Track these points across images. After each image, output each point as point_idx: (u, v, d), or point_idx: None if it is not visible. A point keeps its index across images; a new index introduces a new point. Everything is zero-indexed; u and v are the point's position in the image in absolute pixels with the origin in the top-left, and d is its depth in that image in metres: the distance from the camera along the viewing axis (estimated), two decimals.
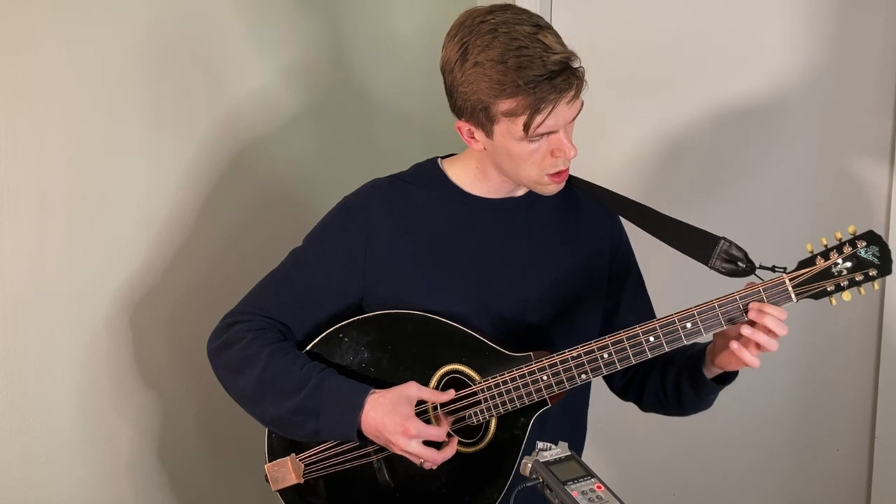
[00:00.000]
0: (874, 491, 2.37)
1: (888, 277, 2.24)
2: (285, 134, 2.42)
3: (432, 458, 1.65)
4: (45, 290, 1.94)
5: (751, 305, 1.59)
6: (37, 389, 1.94)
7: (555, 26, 1.63)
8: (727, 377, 1.72)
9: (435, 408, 1.71)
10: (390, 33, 2.66)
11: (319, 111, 2.50)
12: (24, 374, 1.92)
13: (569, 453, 1.35)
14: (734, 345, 1.59)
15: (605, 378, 1.86)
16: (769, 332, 1.58)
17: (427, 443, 1.66)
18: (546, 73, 1.54)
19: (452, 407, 1.70)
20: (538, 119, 1.57)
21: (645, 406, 1.88)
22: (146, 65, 2.08)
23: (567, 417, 1.80)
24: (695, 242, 1.67)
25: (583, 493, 1.28)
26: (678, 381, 1.76)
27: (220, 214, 2.27)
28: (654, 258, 1.91)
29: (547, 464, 1.34)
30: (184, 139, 2.18)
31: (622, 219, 1.83)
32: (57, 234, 1.95)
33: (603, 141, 2.58)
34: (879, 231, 1.62)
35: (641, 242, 1.85)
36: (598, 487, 1.28)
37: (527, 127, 1.58)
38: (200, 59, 2.21)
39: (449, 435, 1.69)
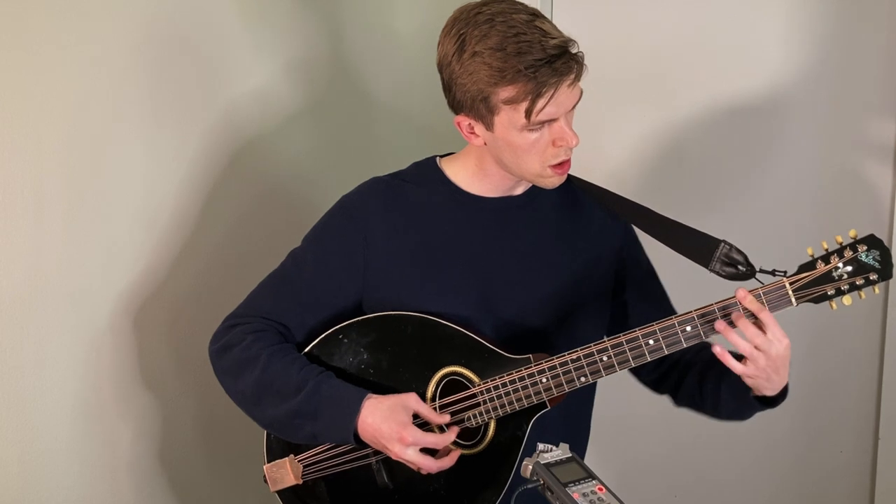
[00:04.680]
0: (878, 492, 2.37)
1: (892, 280, 2.26)
2: (284, 133, 2.41)
3: (429, 467, 1.65)
4: (43, 290, 1.93)
5: (717, 324, 1.58)
6: (35, 390, 1.94)
7: (554, 21, 1.63)
8: (773, 400, 1.67)
9: (435, 408, 1.70)
10: (389, 31, 2.66)
11: (318, 110, 2.49)
12: (22, 374, 1.91)
13: (570, 455, 1.35)
14: (716, 349, 1.58)
15: (633, 372, 1.84)
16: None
17: (425, 449, 1.65)
18: (546, 56, 1.54)
19: (451, 409, 1.70)
20: (540, 103, 1.56)
21: (678, 403, 1.85)
22: (144, 64, 2.08)
23: (570, 419, 1.79)
24: (695, 245, 1.67)
25: (584, 495, 1.27)
26: (718, 389, 1.72)
27: (220, 214, 2.27)
28: (654, 260, 1.91)
29: (548, 465, 1.33)
30: (183, 138, 2.18)
31: None
32: (55, 235, 1.94)
33: (603, 142, 2.57)
34: (882, 233, 1.62)
35: (642, 244, 1.85)
36: (600, 489, 1.28)
37: (528, 113, 1.57)
38: (199, 57, 2.20)
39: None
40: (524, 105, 1.57)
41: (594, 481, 1.29)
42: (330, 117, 2.54)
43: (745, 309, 1.58)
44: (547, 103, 1.57)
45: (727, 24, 2.45)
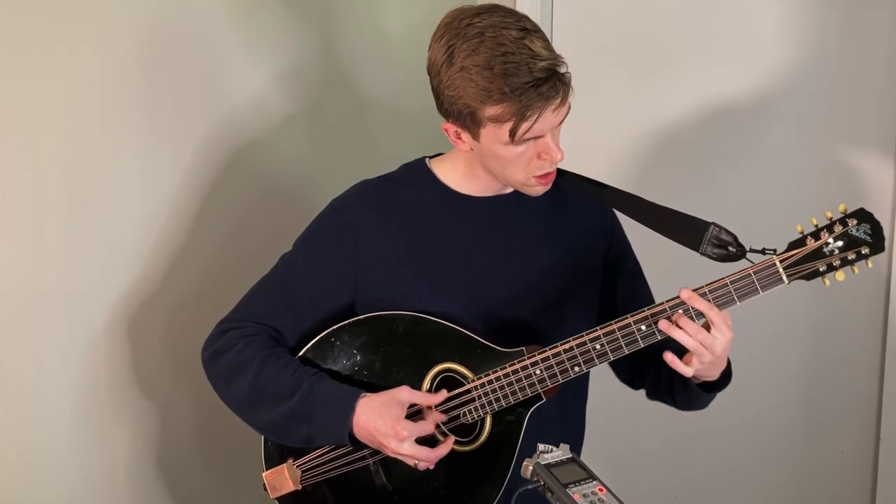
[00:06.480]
0: (879, 493, 2.38)
1: (893, 281, 2.26)
2: (281, 136, 2.41)
3: (426, 458, 1.64)
4: (42, 291, 1.94)
5: (660, 324, 1.59)
6: (34, 390, 1.95)
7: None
8: (716, 385, 1.70)
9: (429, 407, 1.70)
10: (382, 32, 2.65)
11: (314, 113, 2.49)
12: (21, 375, 1.92)
13: (570, 455, 1.35)
14: (667, 356, 1.59)
15: (613, 368, 1.86)
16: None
17: (422, 442, 1.65)
18: (532, 80, 1.53)
19: (447, 406, 1.69)
20: (524, 126, 1.56)
21: (650, 396, 1.88)
22: (142, 68, 2.07)
23: (565, 415, 1.79)
24: (685, 229, 1.66)
25: (584, 495, 1.27)
26: (671, 381, 1.75)
27: (218, 216, 2.27)
28: (644, 247, 1.90)
29: (548, 466, 1.33)
30: (180, 142, 2.17)
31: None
32: (54, 236, 1.95)
33: (602, 131, 2.57)
34: (884, 226, 1.60)
35: (631, 232, 1.84)
36: (600, 490, 1.28)
37: (513, 133, 1.57)
38: (196, 61, 2.19)
39: (445, 434, 1.68)
40: (508, 125, 1.57)
41: (594, 482, 1.29)
42: (326, 119, 2.53)
43: (694, 309, 1.58)
44: (532, 125, 1.57)
45: (728, 16, 2.43)
